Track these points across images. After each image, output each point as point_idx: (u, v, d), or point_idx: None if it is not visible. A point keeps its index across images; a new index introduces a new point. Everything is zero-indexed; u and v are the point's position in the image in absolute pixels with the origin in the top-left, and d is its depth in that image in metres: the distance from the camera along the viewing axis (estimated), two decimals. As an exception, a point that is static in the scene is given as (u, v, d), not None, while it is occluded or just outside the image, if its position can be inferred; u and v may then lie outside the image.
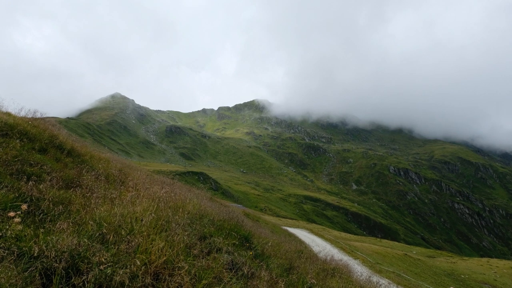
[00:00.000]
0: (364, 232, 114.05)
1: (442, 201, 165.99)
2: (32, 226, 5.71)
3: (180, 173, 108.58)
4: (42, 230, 5.64)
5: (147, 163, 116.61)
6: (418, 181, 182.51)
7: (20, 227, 5.53)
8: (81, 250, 5.28)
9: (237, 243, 8.43)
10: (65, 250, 5.19)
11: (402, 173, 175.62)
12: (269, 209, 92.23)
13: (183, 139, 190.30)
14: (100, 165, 11.48)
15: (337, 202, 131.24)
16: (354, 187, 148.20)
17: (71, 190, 7.82)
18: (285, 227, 52.09)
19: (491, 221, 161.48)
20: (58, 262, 5.11)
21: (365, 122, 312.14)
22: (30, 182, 7.03)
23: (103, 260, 5.24)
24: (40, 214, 6.19)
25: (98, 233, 5.98)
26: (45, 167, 8.42)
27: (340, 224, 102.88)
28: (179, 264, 5.96)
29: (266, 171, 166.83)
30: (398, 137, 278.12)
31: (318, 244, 36.70)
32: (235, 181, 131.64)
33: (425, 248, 79.45)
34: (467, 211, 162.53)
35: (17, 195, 6.46)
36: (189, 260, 6.37)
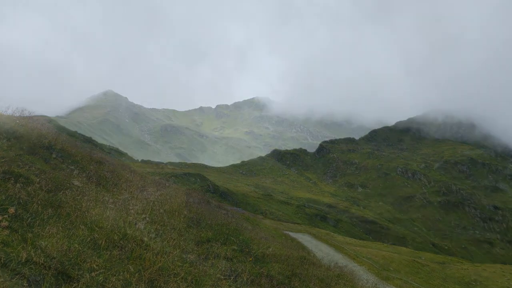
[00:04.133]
0: (370, 237, 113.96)
1: (452, 204, 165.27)
2: (20, 230, 5.70)
3: (176, 175, 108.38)
4: (30, 234, 5.63)
5: (141, 164, 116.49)
6: (427, 183, 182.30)
7: (7, 231, 5.53)
8: (71, 256, 5.28)
9: (236, 248, 8.43)
10: (55, 256, 5.19)
11: (410, 174, 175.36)
12: (270, 213, 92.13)
13: (179, 138, 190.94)
14: (91, 167, 11.49)
15: (341, 205, 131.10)
16: (360, 189, 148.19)
17: (61, 193, 7.82)
18: (287, 232, 52.10)
19: (504, 226, 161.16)
20: (47, 268, 5.12)
21: (371, 121, 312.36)
22: (18, 184, 7.03)
23: (94, 266, 5.24)
24: (28, 218, 6.19)
25: (89, 238, 5.98)
26: (34, 168, 8.42)
27: (345, 228, 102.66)
28: (174, 271, 5.97)
29: (266, 173, 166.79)
30: (406, 136, 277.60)
31: (321, 249, 36.71)
32: (234, 183, 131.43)
33: (434, 254, 79.38)
34: (478, 215, 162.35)
35: (4, 198, 6.45)
36: (185, 266, 6.37)
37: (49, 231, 5.86)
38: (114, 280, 5.14)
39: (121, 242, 6.18)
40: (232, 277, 6.90)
